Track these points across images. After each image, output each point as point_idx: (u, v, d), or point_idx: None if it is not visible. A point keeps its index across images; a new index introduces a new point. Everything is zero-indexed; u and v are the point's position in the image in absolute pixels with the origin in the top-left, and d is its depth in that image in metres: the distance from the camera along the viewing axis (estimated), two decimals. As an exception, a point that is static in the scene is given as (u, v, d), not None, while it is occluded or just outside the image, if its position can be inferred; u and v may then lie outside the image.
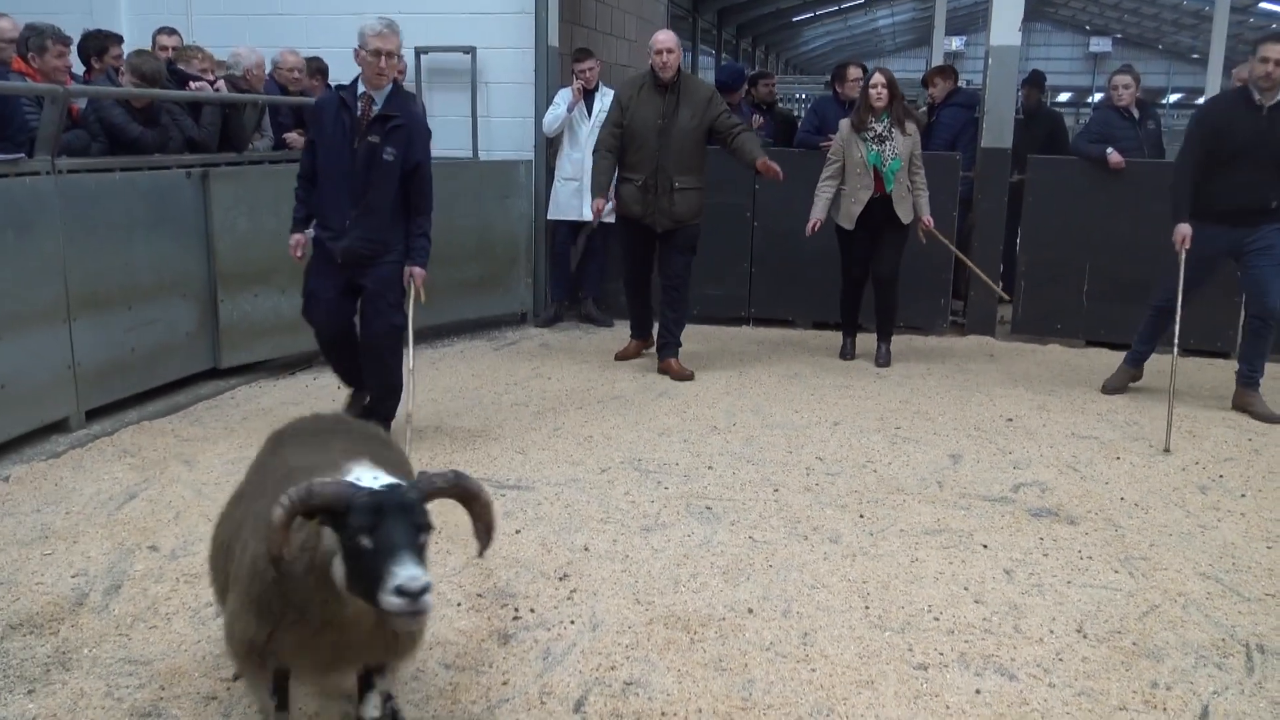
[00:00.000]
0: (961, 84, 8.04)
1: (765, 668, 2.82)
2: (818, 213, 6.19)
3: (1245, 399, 5.42)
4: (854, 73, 7.27)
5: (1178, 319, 5.12)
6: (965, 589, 3.31)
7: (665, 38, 5.86)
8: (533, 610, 3.12)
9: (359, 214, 4.28)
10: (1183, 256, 5.14)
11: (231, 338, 5.64)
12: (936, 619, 3.11)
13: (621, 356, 6.29)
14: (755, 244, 7.27)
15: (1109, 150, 6.70)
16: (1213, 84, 11.05)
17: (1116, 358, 6.26)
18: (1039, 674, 2.83)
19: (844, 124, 6.23)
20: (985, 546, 3.64)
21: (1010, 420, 5.17)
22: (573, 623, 3.05)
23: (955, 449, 4.70)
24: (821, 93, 9.36)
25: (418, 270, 4.36)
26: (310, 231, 4.44)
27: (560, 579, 3.33)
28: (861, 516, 3.90)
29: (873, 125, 6.10)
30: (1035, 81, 8.26)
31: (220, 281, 5.54)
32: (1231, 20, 19.80)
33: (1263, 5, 31.95)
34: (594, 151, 6.09)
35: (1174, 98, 37.97)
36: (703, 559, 3.50)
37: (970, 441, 4.82)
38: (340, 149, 4.28)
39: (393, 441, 2.72)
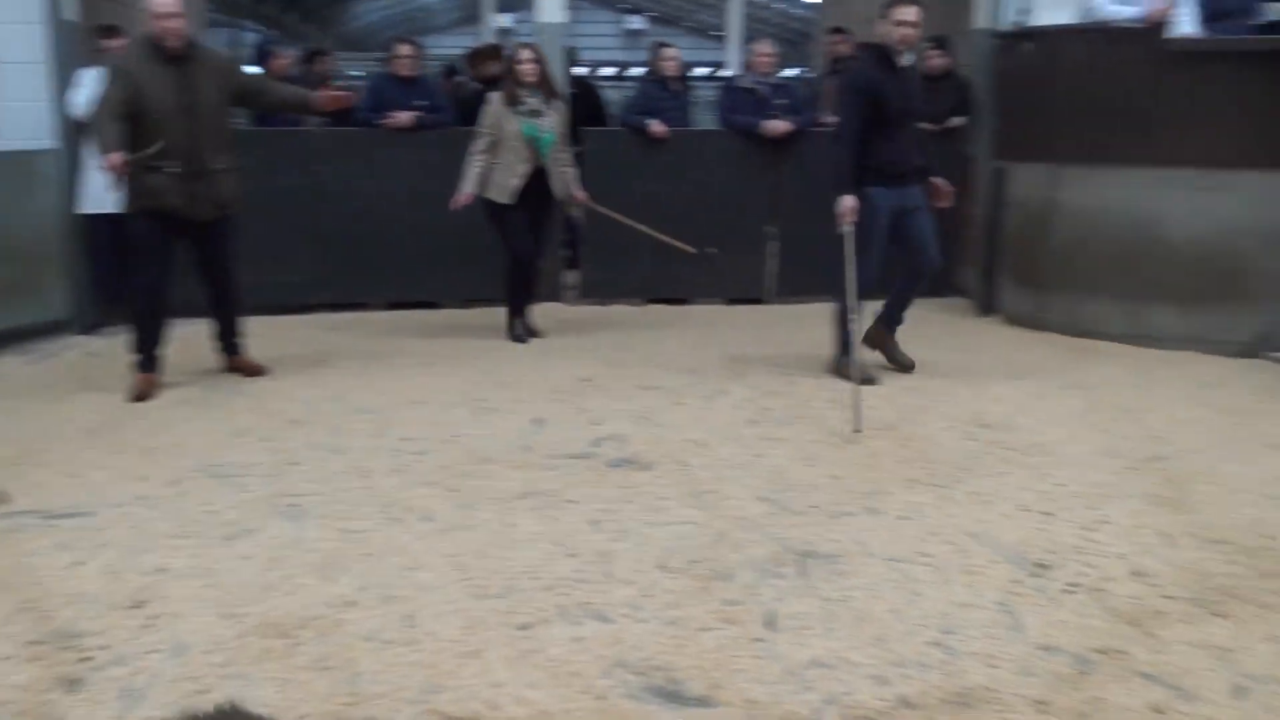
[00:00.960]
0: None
1: (371, 658, 2.78)
2: (468, 186, 6.13)
3: (884, 341, 5.62)
4: (404, 49, 7.21)
5: (852, 280, 5.10)
6: (558, 545, 3.46)
7: (166, 1, 4.97)
8: (105, 647, 2.83)
9: None
10: (849, 230, 5.09)
11: None
12: (535, 578, 3.22)
13: (140, 397, 5.10)
14: (323, 225, 7.02)
15: (652, 122, 7.20)
16: (733, 59, 12.27)
17: (674, 313, 6.85)
18: (631, 612, 3.02)
19: (495, 97, 6.17)
20: (573, 502, 3.82)
21: (586, 380, 5.44)
22: (154, 652, 2.81)
23: (538, 413, 4.87)
24: (378, 70, 9.18)
25: None
26: None
27: (134, 607, 3.05)
28: (453, 490, 3.93)
29: (526, 99, 6.10)
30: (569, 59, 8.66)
31: None
32: (747, 1, 22.04)
33: (769, -14, 35.65)
34: (101, 121, 4.92)
35: (700, 71, 41.47)
36: (294, 559, 3.36)
37: (551, 404, 5.01)
38: None
39: None
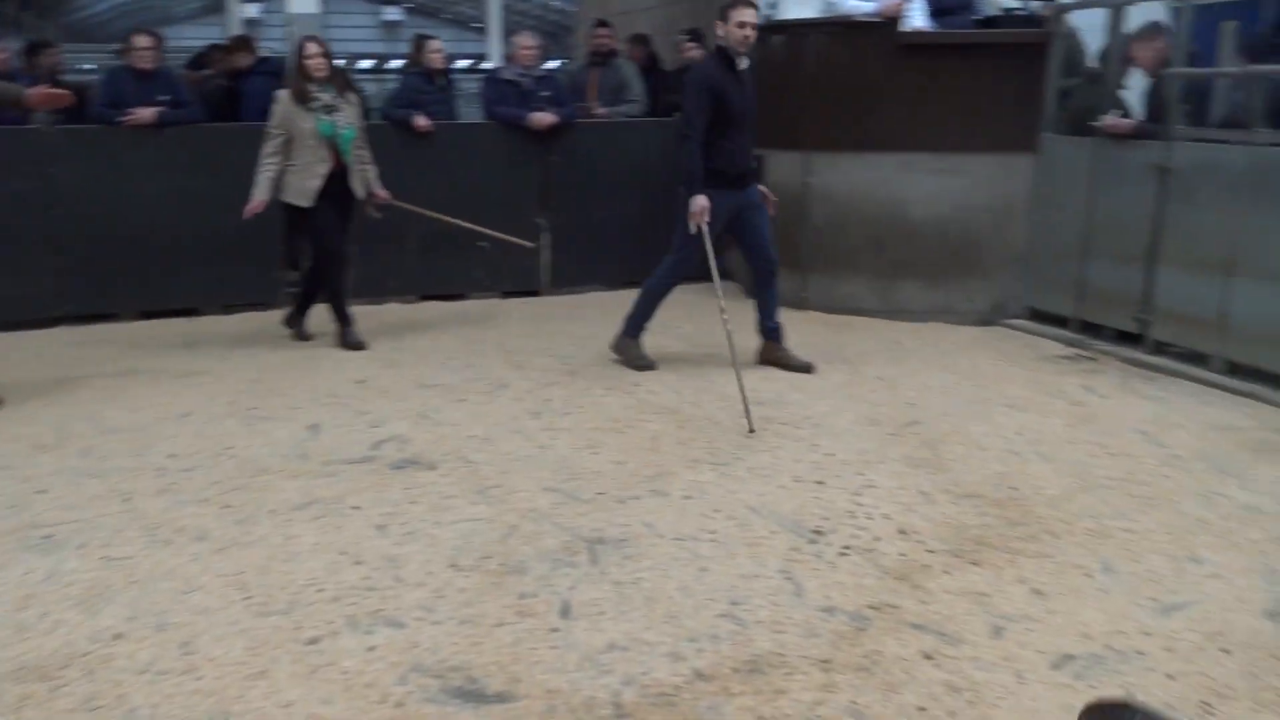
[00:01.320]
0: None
1: (146, 691, 2.61)
2: (260, 193, 5.69)
3: (776, 353, 5.54)
4: (142, 41, 6.75)
5: (718, 283, 5.11)
6: (344, 554, 3.36)
7: None
8: None
9: None
10: (706, 229, 5.08)
11: None
12: (321, 590, 3.12)
13: None
14: (60, 231, 6.47)
15: (416, 116, 7.06)
16: (494, 51, 12.19)
17: (449, 309, 6.76)
18: (424, 615, 2.97)
19: (283, 95, 5.74)
20: (356, 508, 3.72)
21: (362, 382, 5.29)
22: (-110, 709, 2.54)
23: (313, 419, 4.70)
24: (113, 63, 8.57)
25: None
26: None
27: None
28: (227, 507, 3.74)
29: (318, 95, 5.72)
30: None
31: None
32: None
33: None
34: None
35: (462, 64, 41.05)
36: (51, 594, 3.11)
37: (327, 409, 4.85)
38: None
39: None
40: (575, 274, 7.61)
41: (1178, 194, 5.49)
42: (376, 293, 7.23)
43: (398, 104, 7.25)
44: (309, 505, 3.74)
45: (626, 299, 7.27)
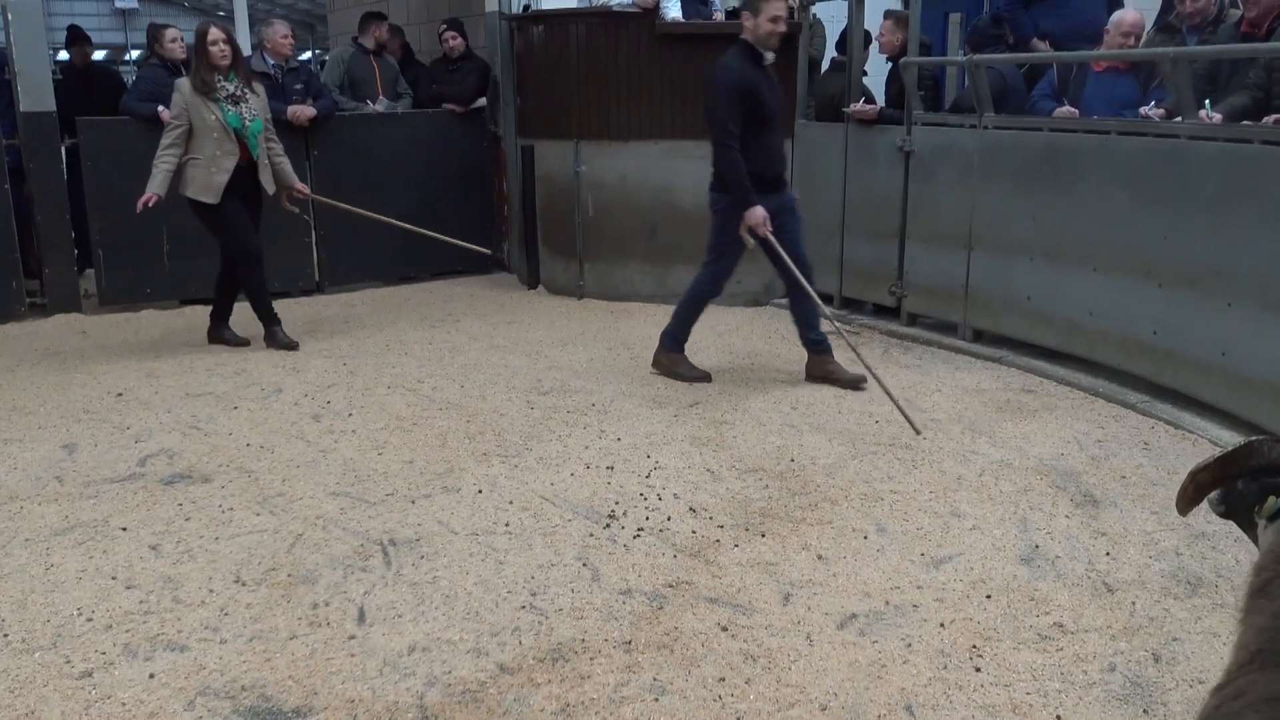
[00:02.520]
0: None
1: (-109, 748, 2.36)
2: (155, 186, 5.33)
3: (825, 367, 5.06)
4: None
5: (815, 297, 4.85)
6: (114, 578, 3.14)
7: None
8: None
9: None
10: (772, 239, 4.71)
11: None
12: (90, 620, 2.90)
13: None
14: None
15: (160, 108, 6.64)
16: (241, 39, 11.56)
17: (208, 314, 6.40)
18: (209, 635, 2.83)
19: (183, 84, 5.36)
20: (125, 529, 3.48)
21: (120, 395, 4.95)
22: None
23: (68, 438, 4.36)
24: None
25: None
26: None
27: None
28: (-27, 539, 3.42)
29: (223, 84, 5.33)
30: (81, 38, 7.81)
31: None
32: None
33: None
34: None
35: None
36: None
37: (83, 426, 4.51)
38: None
39: None
40: (347, 271, 7.39)
41: (919, 175, 5.90)
42: (130, 300, 6.78)
43: (138, 97, 6.79)
44: (70, 530, 3.47)
45: (402, 294, 7.17)
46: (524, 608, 2.98)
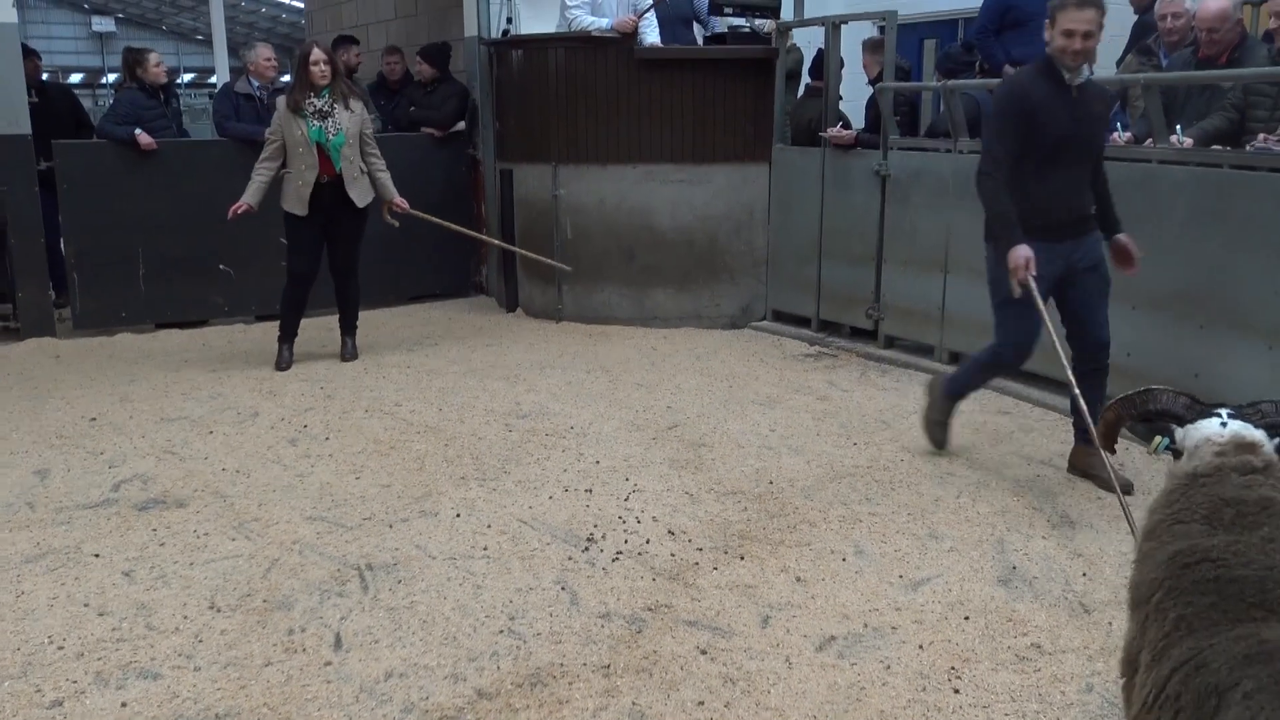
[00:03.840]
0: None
1: None
2: (248, 195, 5.67)
3: (1084, 457, 4.13)
4: None
5: (1066, 361, 3.84)
6: (86, 605, 3.10)
7: None
8: None
9: None
10: (1034, 284, 3.74)
11: None
12: (61, 648, 2.87)
13: None
14: None
15: (137, 131, 6.63)
16: (220, 63, 11.55)
17: (190, 336, 6.38)
18: (183, 662, 2.80)
19: (280, 102, 5.65)
20: (97, 556, 3.44)
21: (94, 419, 4.91)
22: None
23: (40, 464, 4.31)
24: None
25: None
26: None
27: None
28: (-57, 566, 3.37)
29: (312, 101, 5.55)
30: (30, 53, 7.76)
31: None
32: (227, 3, 20.88)
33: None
34: None
35: (188, 77, 38.86)
36: None
37: (56, 452, 4.46)
38: None
39: None
40: (324, 295, 7.34)
41: (896, 199, 5.94)
42: (105, 323, 6.73)
43: (116, 120, 6.77)
44: (42, 557, 3.43)
45: (379, 318, 7.13)
46: (502, 632, 2.96)
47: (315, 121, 5.64)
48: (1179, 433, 1.93)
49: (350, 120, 5.74)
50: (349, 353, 6.07)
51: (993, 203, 3.86)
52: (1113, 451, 2.03)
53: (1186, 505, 1.79)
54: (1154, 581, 1.73)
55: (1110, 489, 3.82)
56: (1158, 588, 1.71)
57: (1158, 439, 1.95)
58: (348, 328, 6.14)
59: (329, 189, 5.72)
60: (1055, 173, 3.87)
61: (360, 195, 5.83)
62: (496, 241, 7.03)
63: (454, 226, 6.60)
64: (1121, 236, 4.01)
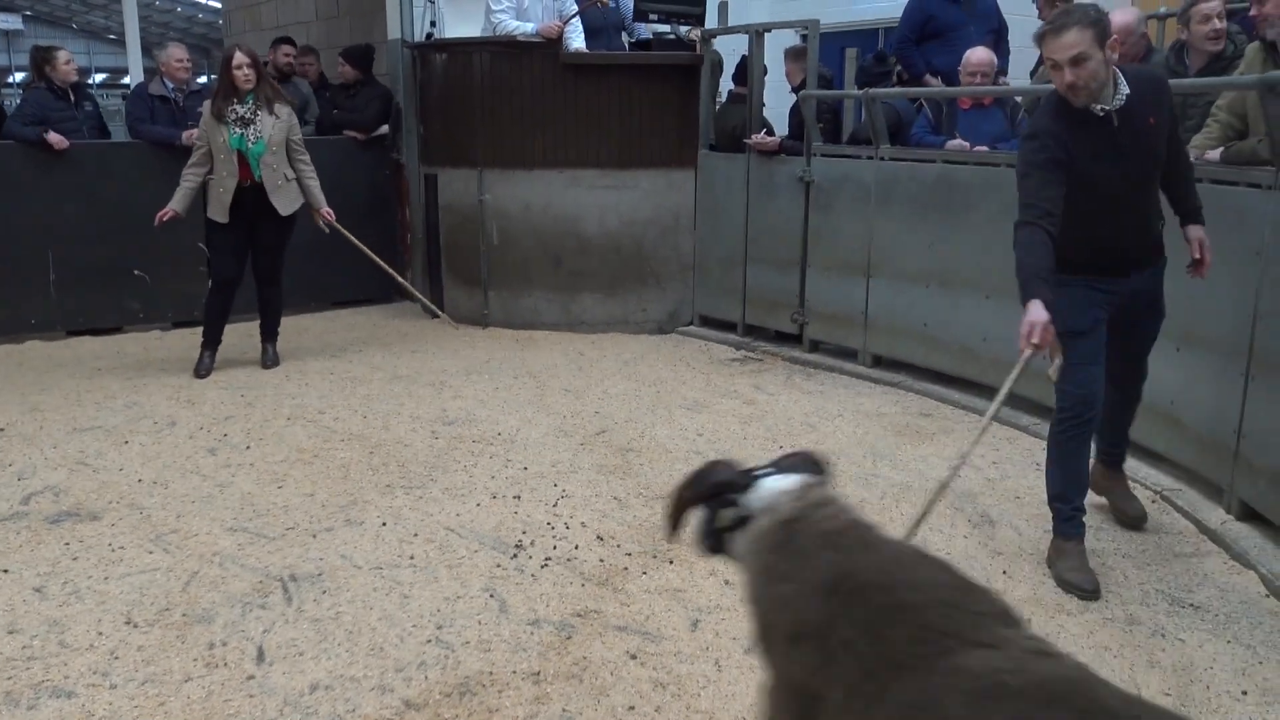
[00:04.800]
0: None
1: None
2: (174, 202, 5.61)
3: (1108, 481, 3.84)
4: None
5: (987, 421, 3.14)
6: (-6, 624, 3.00)
7: None
8: None
9: None
10: (1026, 356, 3.02)
11: None
12: (-32, 667, 2.77)
13: None
14: None
15: (50, 133, 6.43)
16: (134, 63, 11.25)
17: (104, 344, 6.21)
18: (98, 680, 2.71)
19: (205, 106, 5.53)
20: (6, 571, 3.33)
21: (2, 430, 4.74)
22: None
23: (-56, 477, 4.16)
24: None
25: None
26: None
27: None
28: None
29: (235, 108, 5.43)
30: None
31: None
32: (141, 2, 20.27)
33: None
34: None
35: (100, 77, 37.83)
36: None
37: (-40, 464, 4.30)
38: None
39: None
40: (246, 300, 7.19)
41: (819, 204, 6.02)
42: (14, 331, 6.51)
43: (24, 121, 6.56)
44: (-54, 574, 3.31)
45: (302, 323, 7.02)
46: (430, 641, 2.93)
47: (236, 129, 5.54)
48: (743, 500, 1.98)
49: (275, 126, 5.62)
50: (270, 359, 5.97)
51: (1018, 250, 3.16)
52: (672, 528, 2.10)
53: (800, 546, 1.82)
54: (821, 613, 1.69)
55: (1128, 522, 3.75)
56: (831, 624, 1.67)
57: (723, 511, 2.01)
58: (269, 334, 6.04)
59: (251, 195, 5.63)
60: (1107, 207, 3.27)
61: (284, 203, 5.73)
62: (396, 276, 7.00)
63: (369, 252, 6.55)
64: (1195, 230, 3.44)
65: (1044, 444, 3.80)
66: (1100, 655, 2.88)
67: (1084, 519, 3.44)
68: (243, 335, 6.17)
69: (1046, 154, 3.18)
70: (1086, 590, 3.26)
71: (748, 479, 2.01)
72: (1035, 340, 2.98)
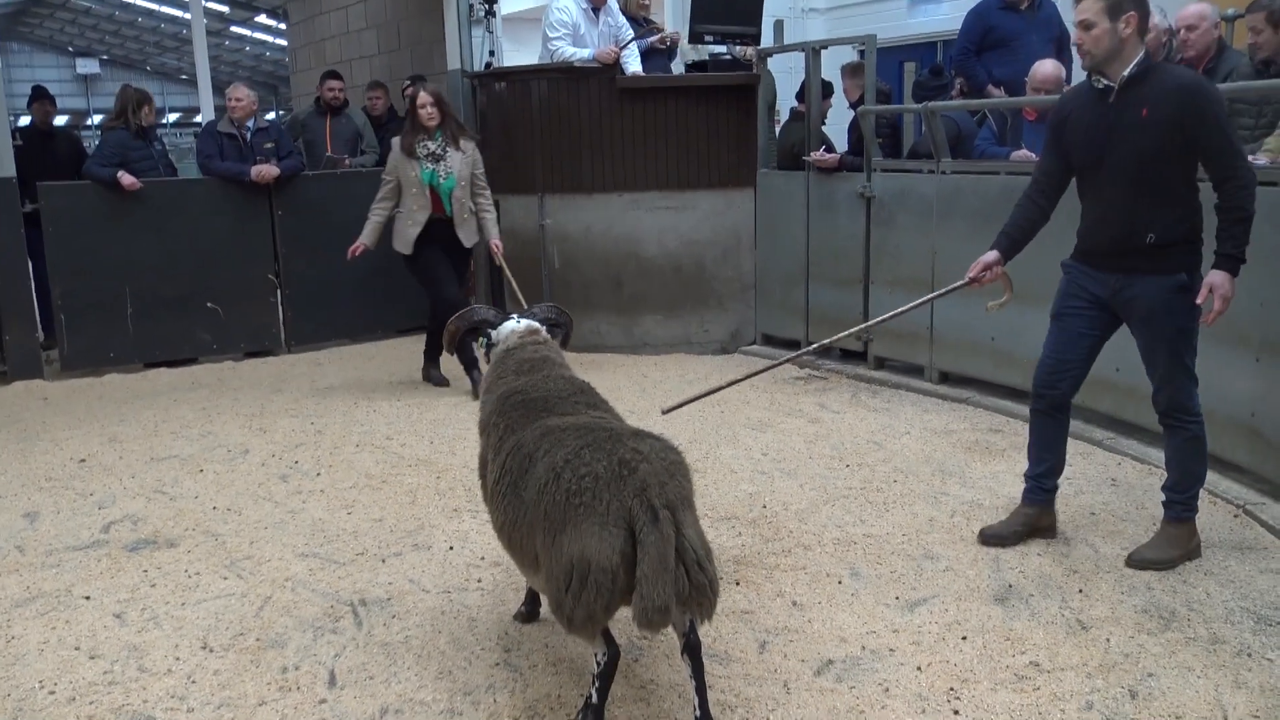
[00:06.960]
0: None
1: None
2: (364, 236, 5.93)
3: (1182, 533, 3.51)
4: None
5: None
6: (77, 649, 3.07)
7: None
8: None
9: None
10: (961, 282, 3.74)
11: None
12: (52, 692, 2.83)
13: None
14: None
15: (120, 173, 6.62)
16: (205, 102, 11.61)
17: (178, 375, 6.35)
18: (176, 704, 2.77)
19: (395, 143, 5.78)
20: (88, 598, 3.41)
21: (83, 461, 4.88)
22: None
23: (29, 506, 4.29)
24: None
25: None
26: None
27: None
28: (-69, 613, 3.34)
29: (425, 144, 5.68)
30: (45, 96, 7.84)
31: None
32: (211, 43, 20.85)
33: (233, 29, 34.32)
34: None
35: (173, 117, 38.94)
36: None
37: (45, 494, 4.43)
38: None
39: None
40: (312, 330, 7.35)
41: (880, 220, 5.97)
42: (94, 364, 6.71)
43: (102, 162, 6.76)
44: (32, 601, 3.40)
45: (368, 351, 7.13)
46: (498, 665, 2.94)
47: (428, 164, 5.79)
48: (494, 333, 3.22)
49: (462, 162, 5.87)
50: (435, 375, 6.25)
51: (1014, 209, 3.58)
52: (453, 354, 3.67)
53: (504, 368, 3.03)
54: (492, 412, 2.87)
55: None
56: (495, 414, 2.84)
57: (482, 339, 3.27)
58: (433, 357, 6.31)
59: (439, 226, 5.89)
60: (1093, 193, 3.41)
61: (467, 235, 6.00)
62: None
63: (514, 283, 6.09)
64: (1211, 274, 3.23)
65: (1119, 459, 3.72)
66: (1184, 675, 2.79)
67: (1046, 490, 3.68)
68: (311, 364, 6.28)
69: (1052, 124, 3.52)
70: (986, 536, 3.66)
71: (500, 319, 3.21)
72: (971, 274, 3.66)
